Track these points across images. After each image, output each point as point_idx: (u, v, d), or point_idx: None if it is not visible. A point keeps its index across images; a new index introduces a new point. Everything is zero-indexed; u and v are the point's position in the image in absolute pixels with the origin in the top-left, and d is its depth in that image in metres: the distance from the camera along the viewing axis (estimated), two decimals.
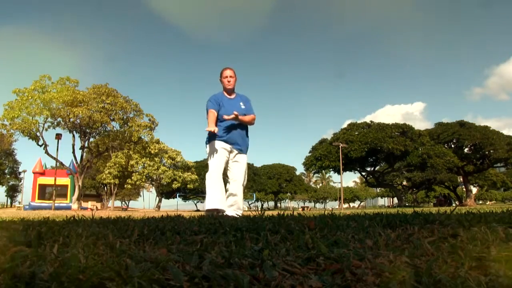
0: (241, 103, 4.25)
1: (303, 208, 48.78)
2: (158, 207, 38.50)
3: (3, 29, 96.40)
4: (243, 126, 4.23)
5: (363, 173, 40.02)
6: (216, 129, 3.91)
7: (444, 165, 32.98)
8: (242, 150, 4.21)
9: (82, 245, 1.08)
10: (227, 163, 4.14)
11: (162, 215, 2.57)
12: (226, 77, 4.22)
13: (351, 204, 72.61)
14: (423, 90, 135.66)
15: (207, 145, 4.19)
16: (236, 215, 3.24)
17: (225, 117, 3.98)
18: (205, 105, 4.17)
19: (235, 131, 4.15)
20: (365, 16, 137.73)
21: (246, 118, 4.17)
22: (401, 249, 0.98)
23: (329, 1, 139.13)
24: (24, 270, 0.72)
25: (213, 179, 3.97)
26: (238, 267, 0.81)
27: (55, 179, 24.41)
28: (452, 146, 36.28)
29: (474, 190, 48.91)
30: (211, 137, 4.13)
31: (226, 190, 4.09)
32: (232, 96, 4.28)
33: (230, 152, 4.15)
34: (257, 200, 55.51)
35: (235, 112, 3.95)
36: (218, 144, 4.10)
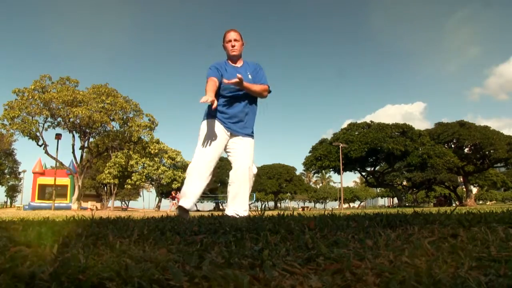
0: (248, 73, 3.40)
1: (303, 208, 48.78)
2: (158, 207, 38.53)
3: (3, 29, 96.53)
4: (250, 101, 3.39)
5: (363, 173, 40.02)
6: (213, 100, 2.98)
7: (444, 165, 32.98)
8: (247, 133, 3.40)
9: (82, 245, 1.08)
10: (222, 148, 3.37)
11: (162, 215, 2.57)
12: (230, 41, 3.41)
13: (351, 204, 72.62)
14: (423, 90, 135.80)
15: (200, 128, 3.41)
16: (235, 215, 2.78)
17: (225, 81, 3.13)
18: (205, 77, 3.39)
19: (238, 107, 3.34)
20: (365, 15, 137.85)
21: (255, 86, 3.30)
22: (401, 249, 0.98)
23: (329, 0, 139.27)
24: (24, 270, 0.72)
25: (194, 173, 3.23)
26: (238, 267, 0.81)
27: (55, 179, 24.42)
28: (452, 146, 36.29)
29: (474, 190, 48.94)
30: (208, 114, 3.38)
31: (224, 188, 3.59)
32: (238, 65, 3.47)
33: (230, 136, 3.38)
34: (257, 200, 55.51)
35: (239, 75, 3.10)
36: (214, 125, 3.31)
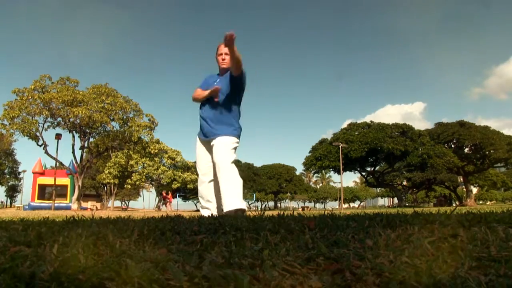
0: (218, 80, 3.57)
1: (303, 208, 48.74)
2: (158, 207, 38.48)
3: (3, 28, 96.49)
4: (223, 103, 3.52)
5: (363, 173, 40.04)
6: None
7: (444, 165, 33.00)
8: (214, 134, 3.50)
9: (82, 245, 1.08)
10: (210, 157, 3.58)
11: (162, 215, 2.57)
12: (221, 54, 3.53)
13: (351, 204, 72.60)
14: (423, 90, 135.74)
15: None
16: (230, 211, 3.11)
17: (204, 93, 3.49)
18: None
19: (206, 115, 3.56)
20: (365, 15, 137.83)
21: (236, 53, 3.28)
22: (401, 249, 0.98)
23: (330, 0, 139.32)
24: (24, 270, 0.72)
25: (199, 185, 3.69)
26: (238, 267, 0.81)
27: (54, 179, 24.40)
28: (452, 146, 36.31)
29: (474, 190, 48.91)
30: None
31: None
32: (224, 76, 3.58)
33: (209, 144, 3.56)
34: (257, 200, 55.50)
35: (216, 87, 3.42)
36: (197, 143, 3.73)
